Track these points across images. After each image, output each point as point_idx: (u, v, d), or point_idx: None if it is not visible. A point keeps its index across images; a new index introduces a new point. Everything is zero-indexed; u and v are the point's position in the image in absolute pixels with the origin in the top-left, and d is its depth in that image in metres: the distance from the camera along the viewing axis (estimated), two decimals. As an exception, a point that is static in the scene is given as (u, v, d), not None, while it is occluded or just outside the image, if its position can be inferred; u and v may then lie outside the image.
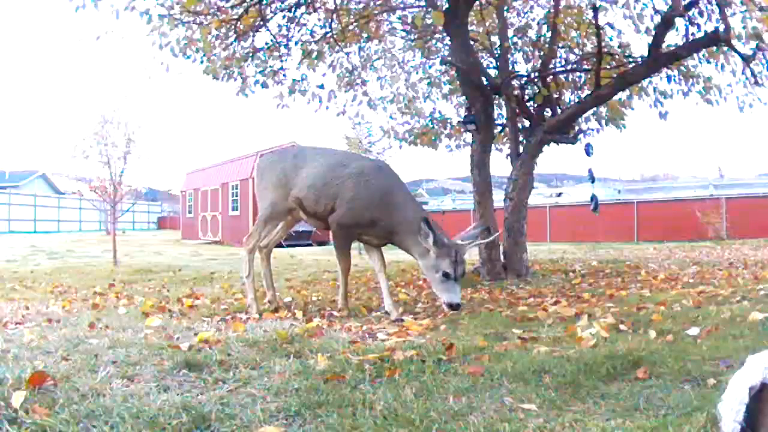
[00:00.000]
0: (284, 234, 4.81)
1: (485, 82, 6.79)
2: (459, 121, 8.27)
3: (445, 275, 3.76)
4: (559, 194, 23.50)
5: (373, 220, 4.06)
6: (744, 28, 6.08)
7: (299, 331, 3.04)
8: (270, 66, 7.10)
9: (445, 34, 7.35)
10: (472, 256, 6.15)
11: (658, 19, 6.15)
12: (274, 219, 4.37)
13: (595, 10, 6.28)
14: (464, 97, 7.34)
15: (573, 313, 3.53)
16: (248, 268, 4.32)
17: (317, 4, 6.81)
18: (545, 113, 7.17)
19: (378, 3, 7.28)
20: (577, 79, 7.95)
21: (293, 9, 6.71)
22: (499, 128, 7.92)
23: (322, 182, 4.10)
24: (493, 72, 7.52)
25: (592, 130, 8.19)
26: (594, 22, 6.34)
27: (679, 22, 6.10)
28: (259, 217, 4.39)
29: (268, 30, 6.62)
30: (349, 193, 4.03)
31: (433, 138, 8.84)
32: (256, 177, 4.55)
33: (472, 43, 7.01)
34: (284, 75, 7.25)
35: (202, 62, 6.61)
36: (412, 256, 4.14)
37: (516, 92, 7.27)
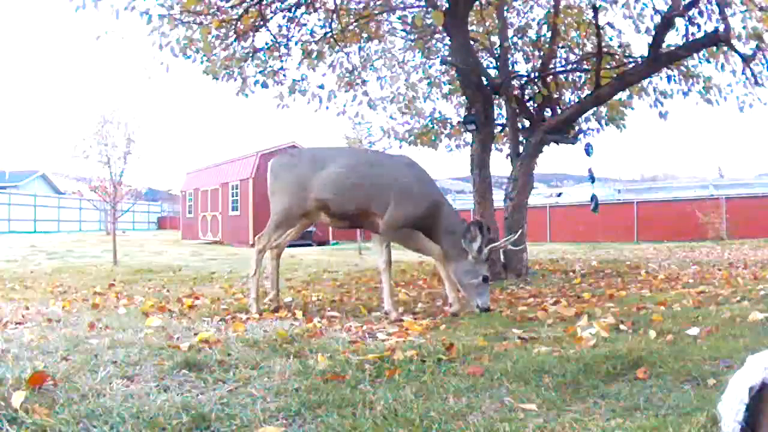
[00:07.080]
0: (297, 235, 4.68)
1: (485, 82, 6.79)
2: (459, 121, 8.28)
3: (485, 279, 3.95)
4: (559, 194, 23.50)
5: (421, 218, 4.10)
6: (744, 28, 6.09)
7: (299, 331, 3.04)
8: (270, 66, 7.11)
9: (445, 34, 7.35)
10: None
11: (658, 19, 6.16)
12: (286, 223, 4.28)
13: (595, 10, 6.28)
14: (464, 97, 7.35)
15: (573, 313, 3.53)
16: (255, 267, 4.27)
17: (317, 4, 6.81)
18: (545, 113, 7.18)
19: (378, 3, 7.28)
20: (577, 79, 7.97)
21: (293, 9, 6.72)
22: (499, 128, 7.92)
23: (351, 182, 4.06)
24: (493, 72, 7.52)
25: (592, 130, 8.21)
26: (594, 22, 6.35)
27: (679, 22, 6.11)
28: (272, 220, 4.26)
29: (268, 30, 6.62)
30: (397, 195, 4.02)
31: (433, 138, 8.86)
32: (270, 178, 4.36)
33: (472, 43, 7.01)
34: (284, 75, 7.27)
35: (202, 62, 6.62)
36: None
37: (516, 92, 7.27)
